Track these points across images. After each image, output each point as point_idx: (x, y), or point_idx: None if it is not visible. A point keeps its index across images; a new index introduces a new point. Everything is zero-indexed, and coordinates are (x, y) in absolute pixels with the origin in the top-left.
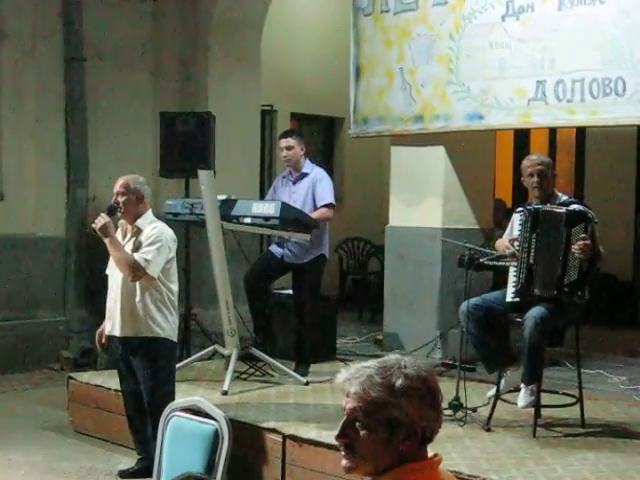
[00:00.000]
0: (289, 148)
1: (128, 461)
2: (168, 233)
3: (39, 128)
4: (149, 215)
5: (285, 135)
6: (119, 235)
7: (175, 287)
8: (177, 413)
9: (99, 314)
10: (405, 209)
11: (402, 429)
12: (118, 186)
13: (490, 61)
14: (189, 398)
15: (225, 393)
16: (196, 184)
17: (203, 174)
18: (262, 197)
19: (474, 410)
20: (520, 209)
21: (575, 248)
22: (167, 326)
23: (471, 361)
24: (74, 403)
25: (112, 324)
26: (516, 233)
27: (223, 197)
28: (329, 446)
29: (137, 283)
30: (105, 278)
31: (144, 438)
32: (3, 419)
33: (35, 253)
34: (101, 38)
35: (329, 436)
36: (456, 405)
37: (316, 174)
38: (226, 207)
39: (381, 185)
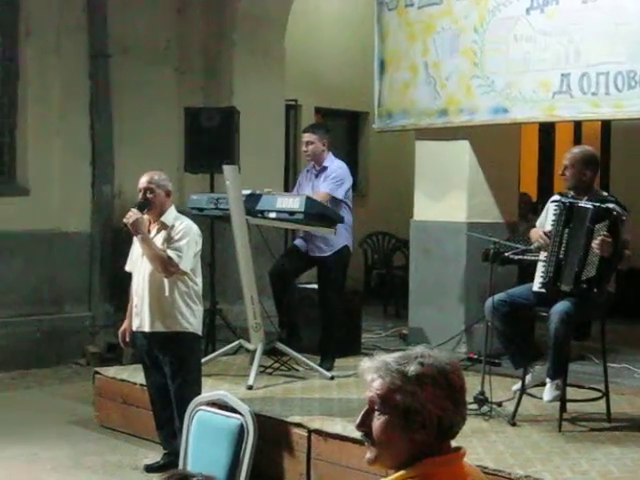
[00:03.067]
0: (309, 143)
1: (154, 455)
2: (194, 228)
3: (64, 124)
4: (173, 210)
5: (307, 130)
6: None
7: (200, 281)
8: (202, 407)
9: (124, 309)
10: (430, 203)
11: (416, 417)
12: (146, 182)
13: (515, 54)
14: (214, 392)
15: (250, 388)
16: (221, 179)
17: (228, 169)
18: (286, 192)
19: (499, 404)
20: (556, 199)
21: (594, 244)
22: (194, 320)
23: (496, 355)
24: (100, 398)
25: (140, 320)
26: (550, 222)
27: (248, 192)
28: (354, 440)
29: (164, 280)
30: (128, 274)
31: (170, 433)
32: (29, 414)
33: (61, 248)
34: (126, 34)
35: (354, 431)
36: (481, 399)
37: (332, 168)
38: (251, 202)
39: (405, 179)
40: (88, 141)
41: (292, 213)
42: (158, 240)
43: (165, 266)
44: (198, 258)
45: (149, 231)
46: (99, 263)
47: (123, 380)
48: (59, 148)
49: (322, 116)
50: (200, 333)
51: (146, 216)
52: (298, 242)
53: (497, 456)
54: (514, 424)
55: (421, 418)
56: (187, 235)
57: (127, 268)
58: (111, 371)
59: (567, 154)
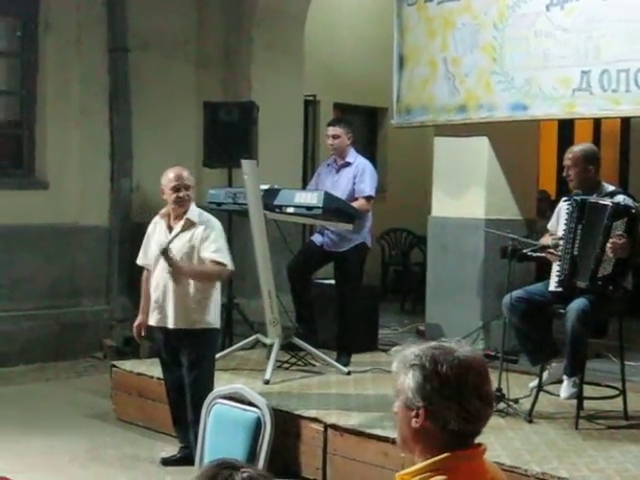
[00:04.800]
0: (335, 137)
1: (170, 449)
2: (219, 222)
3: (84, 118)
4: (195, 207)
5: (333, 123)
6: (163, 228)
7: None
8: (219, 400)
9: None
10: (448, 199)
11: (433, 413)
12: (183, 179)
13: (534, 51)
14: (232, 386)
15: (267, 382)
16: (239, 174)
17: (246, 164)
18: (304, 187)
19: (516, 401)
20: (567, 198)
21: (609, 244)
22: (216, 315)
23: (513, 352)
24: (117, 391)
25: (161, 316)
26: (562, 222)
27: (266, 186)
28: (370, 436)
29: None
30: (139, 268)
31: (186, 426)
32: (47, 407)
33: (79, 242)
34: (145, 28)
35: (371, 426)
36: (498, 396)
37: (359, 164)
38: (269, 196)
39: (424, 175)
40: (107, 135)
41: (310, 208)
42: (185, 237)
43: (220, 275)
44: None
45: (170, 227)
46: (117, 257)
47: (140, 374)
48: (78, 142)
49: (341, 112)
50: (219, 327)
51: (163, 211)
52: (316, 237)
53: (514, 453)
54: (531, 421)
55: (436, 413)
56: (220, 234)
57: (140, 262)
58: (128, 365)
59: (567, 154)
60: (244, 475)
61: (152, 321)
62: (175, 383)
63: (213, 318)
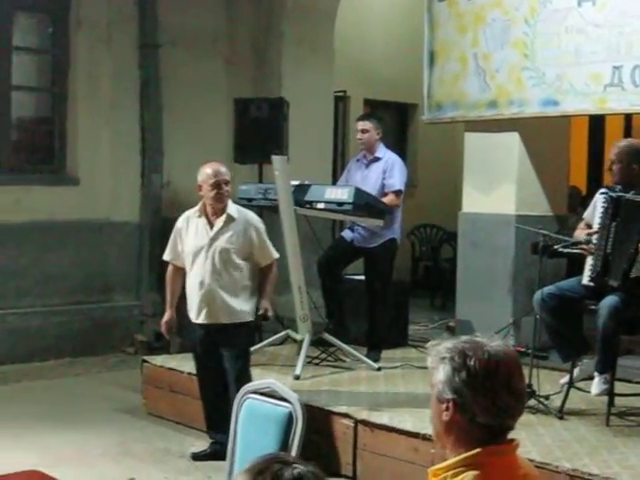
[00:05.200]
0: (364, 131)
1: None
2: (255, 215)
3: (114, 114)
4: (231, 201)
5: (362, 118)
6: (202, 224)
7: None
8: (251, 395)
9: None
10: (478, 195)
11: (463, 407)
12: (224, 174)
13: (566, 46)
14: (263, 381)
15: (297, 378)
16: (270, 169)
17: (277, 159)
18: (334, 183)
19: (547, 398)
20: (604, 191)
21: None
22: (252, 310)
23: (544, 349)
24: (148, 386)
25: (201, 313)
26: (597, 215)
27: (296, 182)
28: (401, 432)
29: (235, 271)
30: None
31: (217, 422)
32: (78, 401)
33: (110, 238)
34: (175, 25)
35: (401, 422)
36: (529, 393)
37: (388, 159)
38: (299, 192)
39: (454, 171)
40: (138, 131)
41: (340, 204)
42: (227, 233)
43: (276, 276)
44: None
45: (210, 223)
46: (148, 253)
47: (171, 369)
48: (109, 138)
49: (371, 108)
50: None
51: (198, 207)
52: (346, 233)
53: (544, 449)
54: (562, 417)
55: (464, 407)
56: (262, 229)
57: (167, 258)
58: (159, 359)
59: (614, 148)
60: (294, 472)
61: (198, 319)
62: (209, 378)
63: (250, 311)
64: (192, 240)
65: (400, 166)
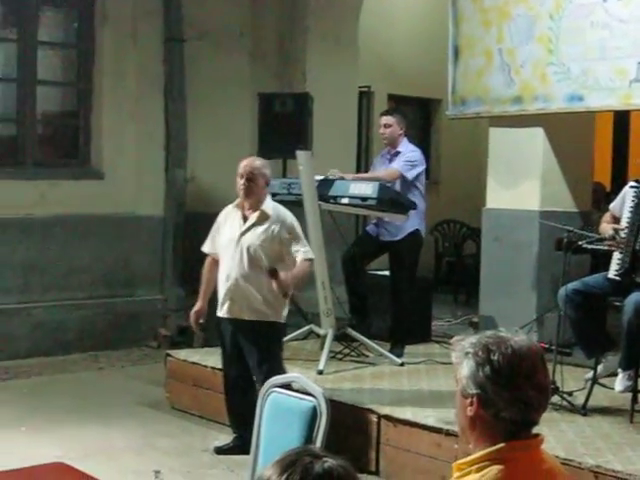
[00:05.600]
0: (387, 126)
1: (224, 438)
2: (291, 215)
3: (139, 109)
4: (269, 199)
5: (385, 113)
6: (237, 218)
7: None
8: (276, 389)
9: (197, 293)
10: (502, 191)
11: (486, 402)
12: (248, 168)
13: (591, 42)
14: (287, 375)
15: (320, 372)
16: (294, 164)
17: (301, 154)
18: None
19: (570, 394)
20: (634, 184)
21: None
22: (284, 310)
23: (568, 345)
24: (171, 380)
25: (229, 307)
26: (627, 209)
27: (320, 177)
28: (424, 427)
29: (260, 269)
30: (202, 256)
31: (240, 417)
32: (102, 395)
33: (134, 232)
34: (200, 19)
35: (424, 417)
36: (552, 389)
37: (405, 151)
38: (323, 187)
39: (478, 167)
40: (162, 126)
41: (365, 199)
42: (259, 229)
43: (308, 272)
44: None
45: (245, 218)
46: (171, 247)
47: (194, 363)
48: (133, 133)
49: (395, 103)
50: (285, 321)
51: (236, 202)
52: (370, 228)
53: (568, 445)
54: (585, 414)
55: (488, 401)
56: (299, 228)
57: (205, 249)
58: (182, 354)
59: None
60: (325, 465)
61: (221, 312)
62: (233, 373)
63: (281, 313)
64: (226, 233)
65: (411, 156)
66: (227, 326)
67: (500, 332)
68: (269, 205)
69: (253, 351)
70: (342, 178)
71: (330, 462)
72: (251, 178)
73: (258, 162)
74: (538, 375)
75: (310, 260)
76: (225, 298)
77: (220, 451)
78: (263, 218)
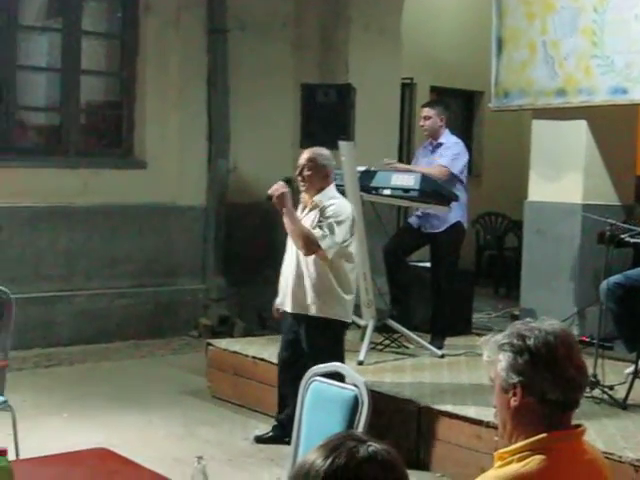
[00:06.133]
0: (427, 118)
1: (264, 427)
2: (348, 210)
3: (182, 99)
4: (330, 190)
5: (426, 105)
6: (300, 209)
7: (351, 266)
8: (317, 378)
9: (237, 283)
10: (545, 184)
11: (524, 390)
12: (304, 160)
13: (635, 34)
14: (329, 364)
15: (361, 363)
16: (336, 155)
17: (344, 145)
18: None
19: (611, 388)
20: None
21: None
22: (338, 308)
23: (609, 338)
24: (212, 369)
25: (283, 298)
26: None
27: (363, 168)
28: (464, 419)
29: (312, 262)
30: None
31: (285, 401)
32: (143, 383)
33: (176, 222)
34: (243, 10)
35: (464, 409)
36: (593, 382)
37: (447, 142)
38: (365, 178)
39: (520, 159)
40: (205, 116)
41: (407, 190)
42: (308, 219)
43: (305, 243)
44: (352, 242)
45: (304, 209)
46: (213, 237)
47: (235, 352)
48: (176, 122)
49: (437, 95)
50: (345, 319)
51: (303, 194)
52: (412, 220)
53: (608, 439)
54: (626, 408)
55: (532, 387)
56: (336, 216)
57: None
58: (223, 343)
59: None
60: (369, 449)
61: (278, 301)
62: (286, 364)
63: (333, 310)
64: None
65: (455, 148)
66: (287, 316)
67: (528, 321)
68: (326, 195)
69: (305, 346)
70: (395, 169)
71: (375, 446)
72: (305, 168)
73: (318, 153)
74: (575, 354)
75: (313, 241)
76: (280, 288)
77: (260, 440)
78: (314, 208)
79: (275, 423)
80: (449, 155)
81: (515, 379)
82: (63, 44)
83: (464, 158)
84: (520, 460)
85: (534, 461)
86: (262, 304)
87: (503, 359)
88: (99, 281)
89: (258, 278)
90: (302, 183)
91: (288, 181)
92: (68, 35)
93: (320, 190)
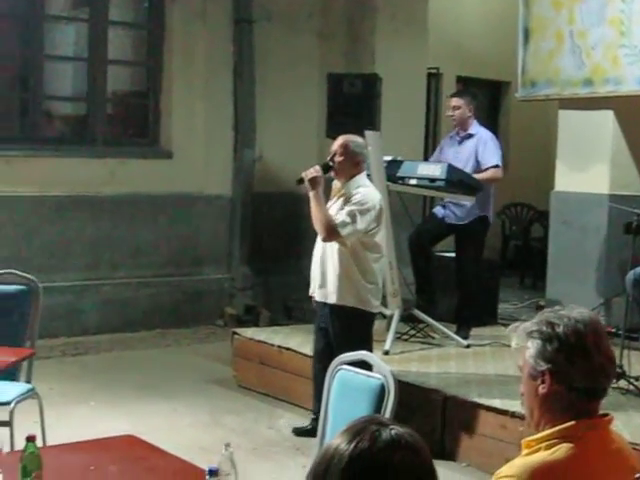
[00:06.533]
0: (455, 108)
1: (290, 416)
2: (375, 199)
3: (208, 88)
4: (360, 179)
5: (454, 95)
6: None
7: (375, 256)
8: (344, 367)
9: (263, 272)
10: (571, 174)
11: (539, 375)
12: (337, 146)
13: None
14: (356, 352)
15: (386, 353)
16: None
17: (370, 135)
18: (426, 160)
19: (637, 379)
20: None
21: None
22: (363, 297)
23: (635, 329)
24: (238, 358)
25: (313, 286)
26: None
27: (389, 158)
28: (489, 409)
29: (336, 251)
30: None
31: (319, 390)
32: (169, 371)
33: (202, 211)
34: (270, 0)
35: (489, 399)
36: (619, 373)
37: (481, 136)
38: (392, 168)
39: (546, 149)
40: (231, 105)
41: (433, 180)
42: (335, 207)
43: (325, 228)
44: (378, 231)
45: (334, 196)
46: (239, 226)
47: (261, 341)
48: (202, 112)
49: (463, 85)
50: (370, 309)
51: (335, 181)
52: (437, 209)
53: (635, 430)
54: None
55: (561, 374)
56: (361, 204)
57: None
58: (249, 332)
59: None
60: (392, 432)
61: (310, 290)
62: (318, 353)
63: (357, 299)
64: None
65: (494, 142)
66: (318, 303)
67: (558, 309)
68: (355, 184)
69: (332, 332)
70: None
71: (397, 429)
72: (337, 154)
73: (350, 140)
74: (603, 341)
75: (333, 228)
76: (312, 276)
77: (299, 432)
78: (343, 195)
79: (313, 416)
80: (493, 152)
81: (544, 366)
82: (90, 34)
83: (500, 149)
84: (548, 448)
85: (562, 449)
86: (288, 294)
87: (532, 346)
88: (125, 270)
89: (284, 267)
90: (333, 169)
91: (326, 167)
92: (95, 25)
93: (351, 177)
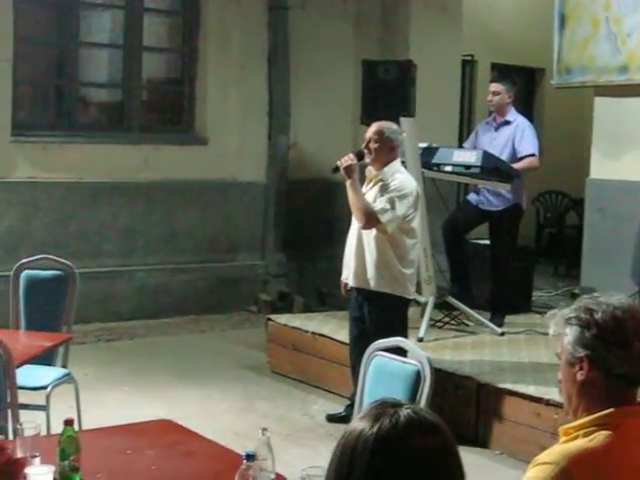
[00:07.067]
0: (495, 93)
1: (323, 402)
2: (411, 185)
3: (243, 75)
4: (395, 165)
5: (494, 80)
6: (365, 184)
7: (412, 242)
8: (380, 353)
9: (297, 259)
10: (607, 162)
11: (577, 362)
12: (371, 132)
13: None
14: (391, 339)
15: (421, 340)
16: None
17: (405, 121)
18: (460, 147)
19: None
20: None
21: None
22: (396, 283)
23: None
24: (272, 344)
25: (347, 273)
26: None
27: (424, 145)
28: (523, 396)
29: (373, 237)
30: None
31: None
32: (203, 357)
33: (236, 198)
34: None
35: (524, 386)
36: None
37: (519, 124)
38: (427, 155)
39: (581, 137)
40: (265, 92)
41: (468, 167)
42: (372, 193)
43: (365, 216)
44: (415, 218)
45: (369, 182)
46: (273, 213)
47: (295, 328)
48: (237, 99)
49: (498, 72)
50: (406, 295)
51: (369, 167)
52: (471, 196)
53: None
54: None
55: (599, 360)
56: (398, 191)
57: None
58: (283, 318)
59: None
60: (407, 411)
61: (343, 276)
62: (354, 340)
63: (391, 285)
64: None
65: (531, 130)
66: (353, 290)
67: (596, 295)
68: (391, 170)
69: (368, 320)
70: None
71: (411, 407)
72: (372, 141)
73: (385, 126)
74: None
75: (372, 215)
76: (345, 262)
77: (332, 419)
78: (378, 183)
79: (349, 402)
80: (530, 140)
81: (582, 353)
82: (126, 21)
83: (537, 138)
84: (586, 435)
85: (600, 436)
86: (321, 281)
87: (570, 333)
88: (159, 256)
89: (318, 254)
90: (368, 155)
91: (360, 155)
92: (130, 12)
93: (386, 164)
